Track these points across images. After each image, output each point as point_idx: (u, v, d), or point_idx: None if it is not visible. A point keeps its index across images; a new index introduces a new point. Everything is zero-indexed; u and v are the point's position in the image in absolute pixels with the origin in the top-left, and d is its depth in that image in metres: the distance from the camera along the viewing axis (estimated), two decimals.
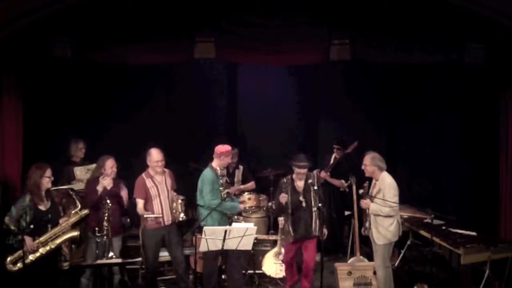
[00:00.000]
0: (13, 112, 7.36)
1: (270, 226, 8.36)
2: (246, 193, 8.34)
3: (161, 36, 7.30)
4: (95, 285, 6.82)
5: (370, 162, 6.76)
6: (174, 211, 6.85)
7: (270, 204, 8.32)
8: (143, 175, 6.96)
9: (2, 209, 6.79)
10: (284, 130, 9.58)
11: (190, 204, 7.74)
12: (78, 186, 7.49)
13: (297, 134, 9.75)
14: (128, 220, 7.66)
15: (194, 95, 9.38)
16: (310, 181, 6.80)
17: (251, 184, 8.51)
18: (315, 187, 6.79)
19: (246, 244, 6.35)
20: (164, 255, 7.25)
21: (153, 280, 7.09)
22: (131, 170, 8.06)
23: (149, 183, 6.90)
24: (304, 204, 6.74)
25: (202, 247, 6.19)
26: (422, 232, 7.53)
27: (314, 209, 6.71)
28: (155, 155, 6.89)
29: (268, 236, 8.04)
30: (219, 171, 7.03)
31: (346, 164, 8.43)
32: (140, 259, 7.31)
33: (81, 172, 7.75)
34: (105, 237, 6.57)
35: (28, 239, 6.24)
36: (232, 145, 7.56)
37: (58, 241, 6.46)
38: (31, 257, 6.28)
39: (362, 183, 7.12)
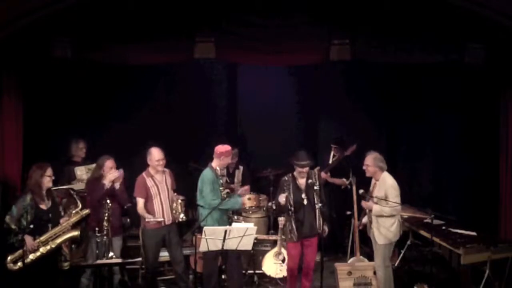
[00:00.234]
0: (13, 112, 7.36)
1: (270, 226, 8.36)
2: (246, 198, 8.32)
3: (161, 36, 7.30)
4: (95, 285, 6.83)
5: (372, 162, 6.75)
6: (174, 211, 6.85)
7: (270, 204, 8.32)
8: (144, 174, 6.96)
9: (2, 208, 6.80)
10: (284, 130, 9.57)
11: (190, 204, 7.74)
12: (79, 186, 7.50)
13: (297, 134, 9.74)
14: (128, 220, 7.65)
15: (194, 95, 9.38)
16: (310, 180, 6.75)
17: (246, 188, 8.48)
18: (316, 187, 6.76)
19: (246, 244, 6.35)
20: (164, 255, 7.25)
21: (153, 280, 7.09)
22: (131, 170, 8.07)
23: (149, 182, 6.91)
24: (306, 202, 6.71)
25: (202, 247, 6.19)
26: (422, 232, 7.53)
27: (317, 206, 6.67)
28: (156, 154, 6.89)
29: (268, 236, 8.04)
30: (219, 171, 7.04)
31: (346, 164, 8.44)
32: (140, 259, 7.32)
33: (82, 172, 7.75)
34: (105, 237, 6.57)
35: (28, 239, 6.24)
36: (232, 145, 7.57)
37: (59, 240, 6.47)
38: (31, 257, 6.28)
39: (363, 183, 7.12)
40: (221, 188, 7.03)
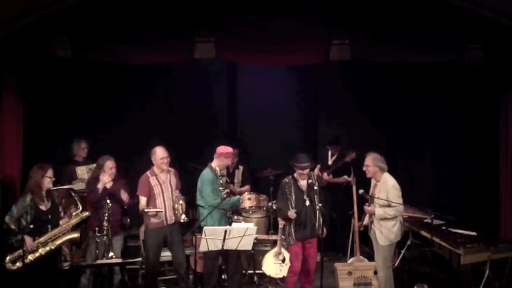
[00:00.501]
0: (13, 112, 7.36)
1: (270, 226, 8.36)
2: (246, 193, 8.33)
3: (161, 36, 7.30)
4: (95, 285, 6.82)
5: (372, 163, 6.73)
6: (176, 211, 6.84)
7: (270, 204, 8.32)
8: (148, 173, 6.96)
9: (2, 208, 6.79)
10: (284, 130, 9.57)
11: (190, 204, 7.73)
12: (79, 186, 7.50)
13: (297, 134, 9.73)
14: (128, 220, 7.65)
15: (194, 95, 9.37)
16: (310, 181, 6.76)
17: (246, 188, 8.50)
18: (315, 187, 6.76)
19: (246, 244, 6.35)
20: (165, 255, 7.24)
21: (153, 280, 7.08)
22: (131, 169, 8.08)
23: (153, 181, 6.91)
24: (308, 203, 6.70)
25: (202, 247, 6.19)
26: (422, 232, 7.53)
27: (317, 207, 6.66)
28: (160, 153, 6.89)
29: (268, 236, 8.04)
30: (218, 171, 7.05)
31: (345, 165, 8.47)
32: (140, 259, 7.32)
33: (83, 172, 7.76)
34: (105, 237, 6.56)
35: (28, 239, 6.24)
36: (232, 145, 7.57)
37: (58, 242, 6.46)
38: (30, 257, 6.28)
39: (363, 183, 7.12)
40: (221, 188, 7.04)
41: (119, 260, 6.60)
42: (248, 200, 8.19)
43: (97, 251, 6.68)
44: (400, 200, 6.64)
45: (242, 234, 6.20)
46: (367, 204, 6.84)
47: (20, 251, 6.22)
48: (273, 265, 7.57)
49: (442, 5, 7.12)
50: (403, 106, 9.27)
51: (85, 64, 7.67)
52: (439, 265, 7.33)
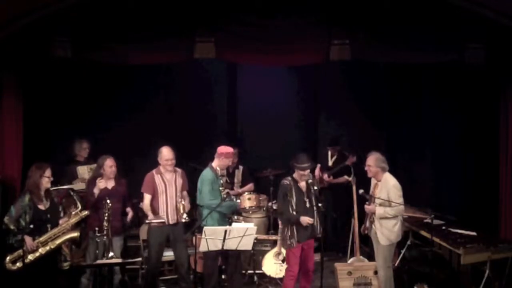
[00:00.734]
0: (13, 112, 7.36)
1: (270, 226, 8.36)
2: (246, 193, 8.34)
3: (161, 36, 7.30)
4: (95, 285, 6.82)
5: (374, 163, 6.72)
6: (179, 211, 6.83)
7: (270, 204, 8.32)
8: (154, 171, 6.97)
9: (2, 208, 6.79)
10: (284, 130, 9.56)
11: (191, 205, 7.73)
12: (79, 186, 7.50)
13: (297, 134, 9.73)
14: (128, 220, 7.64)
15: (194, 95, 9.38)
16: (310, 181, 6.73)
17: (249, 186, 8.51)
18: (315, 187, 6.75)
19: (246, 244, 6.35)
20: (165, 255, 7.23)
21: (153, 280, 7.07)
22: (131, 169, 8.08)
23: (158, 179, 6.91)
24: (308, 205, 6.68)
25: (202, 247, 6.19)
26: (422, 232, 7.53)
27: (315, 208, 6.64)
28: (165, 154, 6.90)
29: (268, 236, 8.04)
30: (219, 171, 7.05)
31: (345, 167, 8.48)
32: (140, 259, 7.32)
33: (84, 171, 7.77)
34: (105, 237, 6.56)
35: (28, 239, 6.23)
36: (232, 145, 7.56)
37: (58, 241, 6.46)
38: (30, 257, 6.27)
39: (363, 183, 7.12)
40: (221, 189, 7.04)
41: (119, 260, 6.59)
42: (248, 200, 8.19)
43: (97, 251, 6.68)
44: (401, 200, 6.64)
45: (242, 234, 6.20)
46: (367, 203, 6.84)
47: (20, 251, 6.21)
48: (273, 265, 7.57)
49: (442, 5, 7.12)
50: (403, 106, 9.27)
51: (85, 64, 7.67)
52: (439, 265, 7.33)
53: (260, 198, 8.36)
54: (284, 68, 9.27)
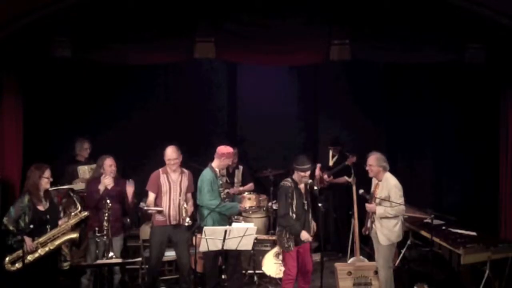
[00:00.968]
0: (13, 112, 7.36)
1: (270, 226, 8.36)
2: (246, 193, 8.34)
3: (161, 36, 7.29)
4: (95, 285, 6.82)
5: (375, 162, 6.72)
6: (181, 214, 6.82)
7: (270, 204, 8.33)
8: (160, 170, 6.95)
9: (2, 208, 6.79)
10: (284, 130, 9.57)
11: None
12: (79, 186, 7.50)
13: (297, 134, 9.74)
14: (128, 220, 7.65)
15: (194, 95, 9.38)
16: (310, 181, 6.69)
17: (249, 186, 8.51)
18: (315, 187, 6.72)
19: (246, 244, 6.35)
20: (165, 254, 7.22)
21: (153, 280, 7.07)
22: (131, 169, 8.08)
23: (163, 178, 6.89)
24: (306, 207, 6.65)
25: (202, 247, 6.19)
26: (422, 232, 7.54)
27: (318, 208, 6.61)
28: (168, 153, 6.88)
29: (268, 236, 8.03)
30: (217, 171, 7.05)
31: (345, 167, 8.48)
32: (140, 259, 7.32)
33: (85, 171, 7.77)
34: (105, 237, 6.56)
35: (27, 240, 6.23)
36: (232, 145, 7.56)
37: (57, 242, 6.45)
38: (29, 258, 6.26)
39: (363, 183, 7.12)
40: (220, 189, 7.03)
41: (119, 260, 6.59)
42: (248, 200, 8.20)
43: (97, 251, 6.68)
44: (402, 200, 6.64)
45: (242, 234, 6.20)
46: (369, 201, 6.83)
47: (19, 252, 6.20)
48: (273, 265, 7.57)
49: (442, 5, 7.11)
50: (403, 106, 9.27)
51: (85, 64, 7.67)
52: (439, 265, 7.33)
53: (260, 198, 8.37)
54: (284, 68, 9.27)
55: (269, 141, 9.43)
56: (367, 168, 6.80)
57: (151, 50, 7.38)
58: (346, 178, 8.32)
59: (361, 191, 6.93)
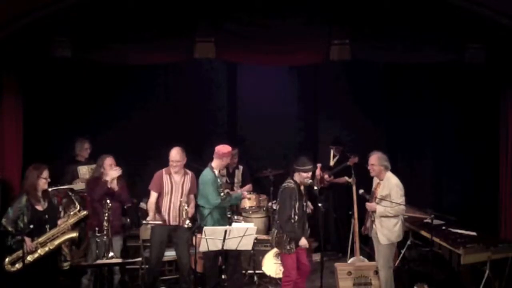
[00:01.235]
0: (13, 112, 7.36)
1: (270, 226, 8.35)
2: (246, 193, 8.34)
3: (161, 36, 7.29)
4: (95, 285, 6.82)
5: (377, 162, 6.72)
6: (181, 215, 6.82)
7: (270, 204, 8.32)
8: (164, 170, 6.95)
9: (2, 208, 6.78)
10: (284, 130, 9.57)
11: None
12: (79, 186, 7.50)
13: (297, 134, 9.74)
14: (128, 220, 7.65)
15: (194, 95, 9.38)
16: (310, 181, 6.61)
17: (248, 187, 8.51)
18: (315, 187, 6.71)
19: (246, 244, 6.35)
20: (165, 254, 7.22)
21: (153, 280, 7.06)
22: (131, 169, 8.07)
23: (166, 179, 6.89)
24: (305, 208, 6.62)
25: (202, 247, 6.19)
26: (422, 232, 7.53)
27: (307, 210, 6.62)
28: (172, 154, 6.87)
29: (268, 236, 8.02)
30: (218, 171, 7.05)
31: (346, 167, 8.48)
32: (140, 259, 7.32)
33: (85, 172, 7.77)
34: (105, 237, 6.56)
35: (27, 240, 6.22)
36: (232, 145, 7.57)
37: (57, 242, 6.44)
38: (29, 258, 6.24)
39: (363, 183, 7.11)
40: (220, 189, 7.04)
41: (119, 260, 6.59)
42: (248, 200, 8.20)
43: (97, 251, 6.67)
44: (403, 199, 6.64)
45: (242, 234, 6.20)
46: (369, 200, 6.82)
47: (19, 252, 6.19)
48: (273, 265, 7.57)
49: (442, 5, 7.11)
50: (403, 106, 9.27)
51: (85, 64, 7.67)
52: (439, 265, 7.33)
53: (260, 198, 8.37)
54: (284, 68, 9.27)
55: (269, 141, 9.44)
56: (368, 167, 6.80)
57: (151, 50, 7.38)
58: (346, 178, 8.32)
59: (361, 191, 6.93)
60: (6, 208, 6.53)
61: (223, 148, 7.07)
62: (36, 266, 6.30)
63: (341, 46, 7.37)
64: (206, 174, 7.00)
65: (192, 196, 7.02)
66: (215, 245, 6.18)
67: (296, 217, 6.47)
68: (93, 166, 7.47)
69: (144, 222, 6.92)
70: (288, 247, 6.52)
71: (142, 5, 7.17)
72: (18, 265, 6.23)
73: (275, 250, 7.58)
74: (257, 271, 7.71)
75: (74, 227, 6.61)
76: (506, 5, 6.98)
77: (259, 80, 9.25)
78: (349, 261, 7.38)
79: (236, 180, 8.55)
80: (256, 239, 7.24)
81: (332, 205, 8.77)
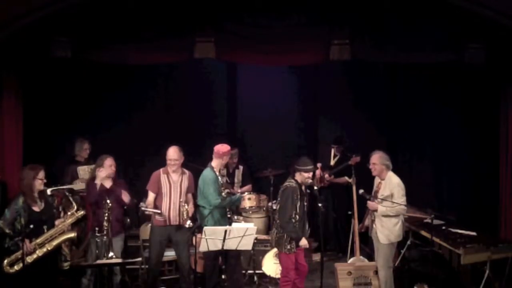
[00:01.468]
0: (13, 112, 7.37)
1: (270, 226, 8.35)
2: (246, 193, 8.35)
3: (161, 36, 7.30)
4: (95, 285, 6.81)
5: (379, 161, 6.72)
6: (182, 215, 6.81)
7: (270, 204, 8.32)
8: (161, 170, 6.93)
9: (2, 208, 6.78)
10: (284, 130, 9.56)
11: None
12: (79, 186, 7.49)
13: (297, 134, 9.73)
14: (128, 220, 7.65)
15: (194, 95, 9.37)
16: (310, 181, 6.63)
17: (248, 187, 8.52)
18: (315, 187, 6.71)
19: (246, 244, 6.34)
20: (165, 254, 7.22)
21: (153, 280, 7.06)
22: (131, 169, 8.08)
23: (163, 179, 6.87)
24: (305, 208, 6.61)
25: (202, 247, 6.19)
26: (422, 232, 7.53)
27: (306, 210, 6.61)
28: (170, 153, 6.85)
29: (268, 236, 8.02)
30: (219, 171, 7.05)
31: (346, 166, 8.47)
32: (140, 259, 7.32)
33: (84, 172, 7.76)
34: (105, 237, 6.55)
35: (26, 241, 6.19)
36: (232, 145, 7.56)
37: (55, 242, 6.40)
38: (28, 259, 6.20)
39: (363, 183, 7.11)
40: (222, 189, 7.04)
41: (119, 260, 6.58)
42: (248, 200, 8.21)
43: (97, 251, 6.67)
44: (404, 199, 6.64)
45: (242, 234, 6.20)
46: (370, 200, 6.81)
47: (17, 254, 6.16)
48: (273, 265, 7.57)
49: (442, 5, 7.12)
50: (403, 106, 9.26)
51: (85, 64, 7.68)
52: (439, 265, 7.33)
53: (260, 198, 8.37)
54: (284, 68, 9.27)
55: (269, 141, 9.43)
56: (370, 166, 6.80)
57: (151, 50, 7.39)
58: (346, 178, 8.32)
59: (361, 191, 6.93)
60: (5, 208, 6.53)
61: (222, 147, 7.06)
62: (36, 267, 6.28)
63: (341, 46, 7.38)
64: (207, 174, 6.99)
65: (190, 195, 7.02)
66: (215, 245, 6.18)
67: (297, 217, 6.47)
68: (93, 166, 7.47)
69: (142, 208, 6.87)
70: (289, 246, 6.51)
71: (142, 5, 7.17)
72: (17, 267, 6.21)
73: (275, 250, 7.56)
74: (257, 271, 7.71)
75: (73, 227, 6.60)
76: (506, 5, 6.98)
77: (259, 80, 9.25)
78: (349, 261, 7.38)
79: (236, 180, 8.55)
80: (256, 239, 7.24)
81: (332, 205, 8.76)
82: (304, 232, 6.59)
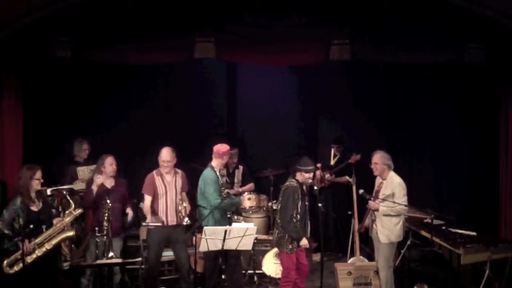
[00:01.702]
0: (13, 112, 7.36)
1: (270, 226, 8.36)
2: (246, 193, 8.35)
3: (161, 36, 7.30)
4: (95, 285, 6.81)
5: (381, 161, 6.72)
6: (178, 214, 6.82)
7: (270, 204, 8.32)
8: (154, 172, 6.93)
9: (2, 208, 6.78)
10: (284, 130, 9.57)
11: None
12: (79, 186, 7.49)
13: (297, 134, 9.73)
14: (130, 217, 7.64)
15: (194, 95, 9.38)
16: (310, 181, 6.64)
17: (250, 186, 8.52)
18: (315, 187, 6.72)
19: (246, 244, 6.34)
20: (165, 254, 7.23)
21: (153, 280, 7.06)
22: (131, 169, 8.08)
23: (158, 181, 6.87)
24: (306, 208, 6.60)
25: (202, 247, 6.19)
26: (422, 232, 7.53)
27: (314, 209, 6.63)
28: (163, 155, 6.86)
29: (268, 236, 8.03)
30: (219, 171, 7.05)
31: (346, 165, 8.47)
32: (140, 259, 7.31)
33: (84, 172, 7.75)
34: (105, 237, 6.55)
35: (25, 241, 6.19)
36: (232, 145, 7.56)
37: (54, 241, 6.39)
38: (27, 259, 6.20)
39: (363, 183, 7.11)
40: (222, 188, 7.04)
41: (119, 260, 6.57)
42: (248, 200, 8.20)
43: (97, 251, 6.67)
44: (405, 199, 6.64)
45: (242, 234, 6.20)
46: (372, 199, 6.81)
47: (17, 254, 6.16)
48: (273, 265, 7.57)
49: (442, 5, 7.12)
50: (403, 106, 9.27)
51: (85, 64, 7.67)
52: (439, 265, 7.33)
53: (260, 198, 8.37)
54: (284, 68, 9.27)
55: (269, 141, 9.43)
56: (372, 166, 6.80)
57: (151, 50, 7.39)
58: (347, 178, 8.32)
59: (361, 191, 6.93)
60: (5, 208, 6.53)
61: (221, 147, 7.07)
62: (36, 267, 6.28)
63: (341, 46, 7.39)
64: (208, 174, 6.99)
65: (184, 194, 7.02)
66: (215, 245, 6.18)
67: (298, 217, 6.47)
68: (92, 167, 7.47)
69: (143, 224, 6.90)
70: (290, 246, 6.51)
71: (142, 5, 7.17)
72: (16, 267, 6.20)
73: (275, 250, 7.57)
74: (257, 271, 7.71)
75: (73, 226, 6.59)
76: (506, 5, 6.98)
77: (259, 80, 9.25)
78: (349, 261, 7.39)
79: (236, 180, 8.55)
80: (256, 239, 7.25)
81: (332, 205, 8.76)
82: (305, 232, 6.58)
